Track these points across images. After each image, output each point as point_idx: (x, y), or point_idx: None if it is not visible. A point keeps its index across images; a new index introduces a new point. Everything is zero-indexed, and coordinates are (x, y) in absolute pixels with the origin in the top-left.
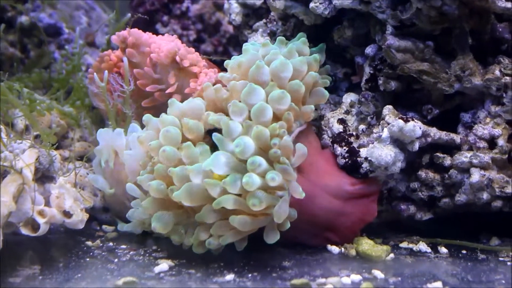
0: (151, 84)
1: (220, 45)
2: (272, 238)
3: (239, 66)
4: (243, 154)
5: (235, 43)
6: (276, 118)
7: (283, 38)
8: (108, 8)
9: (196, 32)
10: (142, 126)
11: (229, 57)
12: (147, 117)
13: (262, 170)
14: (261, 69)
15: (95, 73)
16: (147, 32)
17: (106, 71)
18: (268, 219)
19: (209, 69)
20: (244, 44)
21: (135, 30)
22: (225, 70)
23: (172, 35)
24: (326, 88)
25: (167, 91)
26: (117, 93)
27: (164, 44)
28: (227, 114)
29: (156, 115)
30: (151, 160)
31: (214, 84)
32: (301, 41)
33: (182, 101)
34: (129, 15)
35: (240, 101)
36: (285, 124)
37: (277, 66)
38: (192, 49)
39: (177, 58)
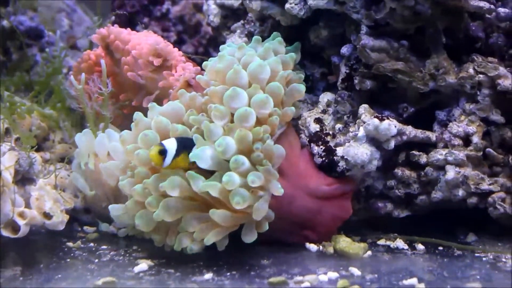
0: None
1: (201, 46)
2: (250, 237)
3: (217, 73)
4: (224, 154)
5: (216, 43)
6: (258, 121)
7: (259, 37)
8: (90, 9)
9: (176, 33)
10: (124, 127)
11: (210, 58)
12: (138, 115)
13: (245, 169)
14: (238, 73)
15: (71, 76)
16: (128, 29)
17: (83, 74)
18: (247, 217)
19: (186, 63)
20: (220, 47)
21: (114, 27)
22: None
23: None
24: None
25: (145, 99)
26: (95, 95)
27: (144, 39)
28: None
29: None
30: (129, 163)
31: (193, 78)
32: (277, 41)
33: (160, 96)
34: (113, 18)
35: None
36: (269, 129)
37: (254, 68)
38: (170, 44)
39: (157, 53)
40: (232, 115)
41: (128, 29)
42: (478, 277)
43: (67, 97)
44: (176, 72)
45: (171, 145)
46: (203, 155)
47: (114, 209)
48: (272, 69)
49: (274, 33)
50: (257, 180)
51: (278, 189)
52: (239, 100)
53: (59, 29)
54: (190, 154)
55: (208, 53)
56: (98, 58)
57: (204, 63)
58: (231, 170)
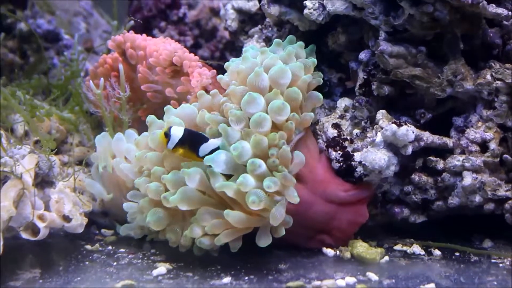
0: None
1: (217, 50)
2: (264, 241)
3: (238, 73)
4: (240, 158)
5: (232, 48)
6: (275, 126)
7: (280, 40)
8: (106, 13)
9: (193, 37)
10: (141, 131)
11: (226, 62)
12: (151, 118)
13: (261, 172)
14: (260, 76)
15: (90, 80)
16: (143, 35)
17: (102, 78)
18: (262, 221)
19: (202, 68)
20: (243, 49)
21: (130, 33)
22: (222, 74)
23: None
24: (320, 92)
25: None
26: (113, 99)
27: (162, 46)
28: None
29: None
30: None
31: (210, 84)
32: (298, 45)
33: (178, 101)
34: (131, 22)
35: (238, 106)
36: (285, 135)
37: (276, 72)
38: (187, 51)
39: (175, 60)
40: (249, 119)
41: (144, 35)
42: (495, 283)
43: (85, 101)
44: (193, 77)
45: (177, 132)
46: (217, 159)
47: (129, 207)
48: (294, 74)
49: (289, 36)
50: (273, 186)
51: (294, 197)
52: (255, 105)
53: (76, 33)
54: (205, 158)
55: (225, 58)
56: (115, 63)
57: (226, 63)
58: (247, 172)
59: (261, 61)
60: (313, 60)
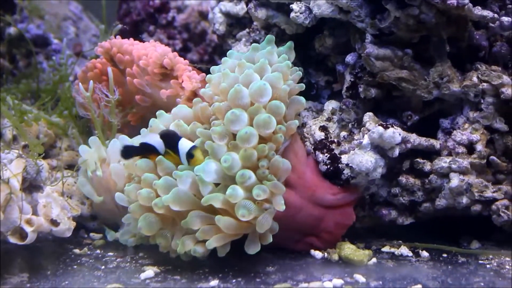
0: (140, 91)
1: (206, 53)
2: (253, 249)
3: (221, 92)
4: (230, 170)
5: (221, 51)
6: (262, 138)
7: (257, 45)
8: (95, 17)
9: (182, 41)
10: (131, 135)
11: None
12: (154, 122)
13: (251, 183)
14: (239, 93)
15: (80, 83)
16: (130, 39)
17: (91, 81)
18: (252, 227)
19: (191, 72)
20: (222, 60)
21: (117, 39)
22: None
23: None
24: (307, 95)
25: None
26: (103, 102)
27: (151, 49)
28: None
29: (144, 123)
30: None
31: (200, 87)
32: (267, 51)
33: (166, 104)
34: (119, 26)
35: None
36: (274, 146)
37: (255, 91)
38: (176, 54)
39: (165, 63)
40: (233, 134)
41: (131, 39)
42: (482, 284)
43: (77, 105)
44: (182, 81)
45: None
46: (207, 169)
47: (121, 199)
48: (273, 86)
49: (268, 36)
50: (262, 194)
51: (280, 205)
52: (238, 123)
53: (65, 37)
54: (195, 169)
55: (214, 61)
56: (105, 67)
57: (208, 76)
58: (237, 184)
59: (240, 74)
60: (287, 63)
